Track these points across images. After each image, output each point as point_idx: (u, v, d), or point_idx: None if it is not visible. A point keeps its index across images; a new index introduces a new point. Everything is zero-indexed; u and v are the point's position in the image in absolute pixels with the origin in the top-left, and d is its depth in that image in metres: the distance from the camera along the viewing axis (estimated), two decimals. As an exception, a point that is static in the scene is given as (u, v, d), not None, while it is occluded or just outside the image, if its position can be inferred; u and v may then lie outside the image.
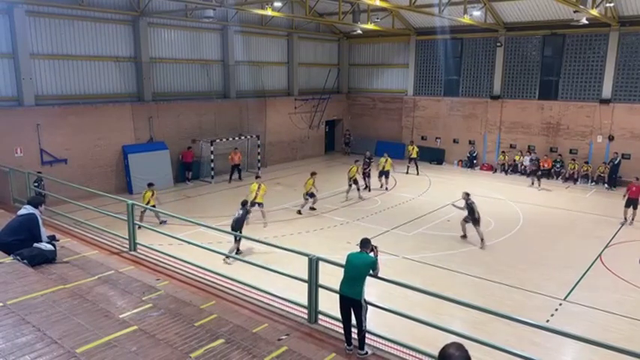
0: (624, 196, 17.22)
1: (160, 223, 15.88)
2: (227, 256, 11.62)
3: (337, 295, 6.94)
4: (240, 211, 13.25)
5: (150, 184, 16.48)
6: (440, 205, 19.34)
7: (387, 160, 22.16)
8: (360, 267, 6.79)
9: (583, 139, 24.35)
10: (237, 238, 13.04)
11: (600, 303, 11.06)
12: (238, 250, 13.32)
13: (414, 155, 25.36)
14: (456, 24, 23.78)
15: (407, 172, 25.34)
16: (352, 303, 6.70)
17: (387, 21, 26.66)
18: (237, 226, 13.05)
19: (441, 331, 6.37)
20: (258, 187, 15.73)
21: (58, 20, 18.89)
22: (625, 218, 17.04)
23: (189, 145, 22.99)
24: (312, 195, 18.23)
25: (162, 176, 21.39)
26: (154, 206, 15.38)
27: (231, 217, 13.51)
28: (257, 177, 17.34)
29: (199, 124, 23.76)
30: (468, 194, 15.11)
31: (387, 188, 22.07)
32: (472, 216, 14.78)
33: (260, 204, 15.66)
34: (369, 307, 6.91)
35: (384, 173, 22.10)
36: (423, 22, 27.66)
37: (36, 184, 15.11)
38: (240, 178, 23.33)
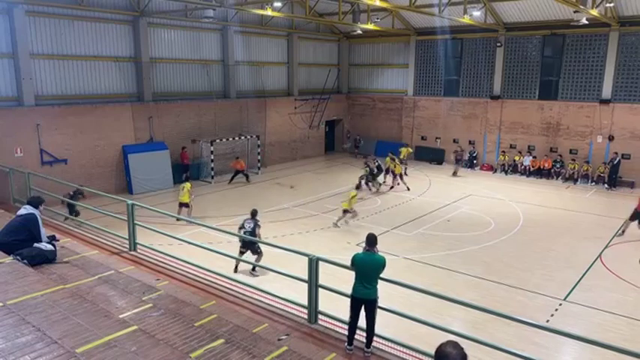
0: (635, 211, 15.42)
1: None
2: (253, 268, 11.81)
3: (337, 295, 6.93)
4: (251, 223, 12.08)
5: (187, 178, 18.00)
6: (440, 205, 19.34)
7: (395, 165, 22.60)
8: (376, 268, 6.71)
9: (583, 139, 24.34)
10: (257, 251, 11.96)
11: (600, 303, 11.06)
12: (254, 268, 12.06)
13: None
14: (455, 24, 23.77)
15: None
16: (367, 303, 6.68)
17: (387, 21, 26.65)
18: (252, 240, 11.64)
19: (442, 331, 6.36)
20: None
21: (58, 20, 18.88)
22: (623, 231, 15.77)
23: (184, 146, 22.71)
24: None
25: (162, 176, 21.42)
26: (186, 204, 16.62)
27: (236, 221, 12.49)
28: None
29: (199, 124, 23.75)
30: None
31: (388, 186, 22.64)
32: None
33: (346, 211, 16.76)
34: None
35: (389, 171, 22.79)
36: (423, 22, 27.65)
37: (79, 194, 14.76)
38: (247, 180, 23.18)
